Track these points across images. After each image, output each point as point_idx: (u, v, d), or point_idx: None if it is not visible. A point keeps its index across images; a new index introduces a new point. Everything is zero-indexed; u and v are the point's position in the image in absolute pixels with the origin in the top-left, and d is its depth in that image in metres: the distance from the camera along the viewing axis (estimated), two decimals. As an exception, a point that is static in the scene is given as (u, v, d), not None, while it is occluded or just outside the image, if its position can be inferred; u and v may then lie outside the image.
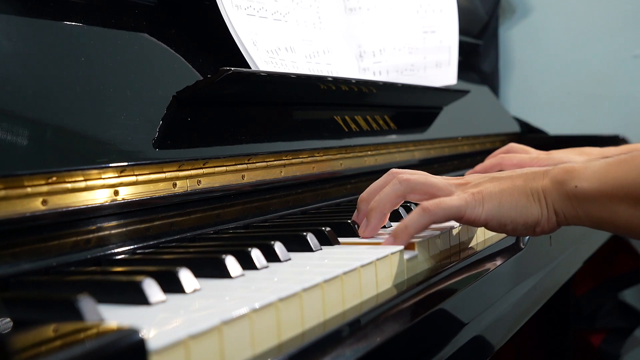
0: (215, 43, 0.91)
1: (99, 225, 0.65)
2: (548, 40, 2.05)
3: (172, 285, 0.51)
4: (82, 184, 0.63)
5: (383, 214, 0.74)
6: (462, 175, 0.87)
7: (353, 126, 1.10)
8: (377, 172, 1.15)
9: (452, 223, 0.78)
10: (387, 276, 0.62)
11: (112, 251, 0.64)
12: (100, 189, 0.65)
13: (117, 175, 0.66)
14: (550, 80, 2.05)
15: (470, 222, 0.70)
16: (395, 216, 0.82)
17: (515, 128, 1.83)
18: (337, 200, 1.00)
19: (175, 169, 0.73)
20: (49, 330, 0.39)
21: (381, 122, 1.19)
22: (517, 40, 2.09)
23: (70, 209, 0.61)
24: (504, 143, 1.71)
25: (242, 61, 0.90)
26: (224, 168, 0.80)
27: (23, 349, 0.35)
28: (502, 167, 1.11)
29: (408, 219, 0.69)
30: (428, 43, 1.30)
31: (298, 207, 0.91)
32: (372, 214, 0.73)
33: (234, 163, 0.82)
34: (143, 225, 0.69)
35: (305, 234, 0.67)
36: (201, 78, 0.83)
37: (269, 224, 0.82)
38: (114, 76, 0.74)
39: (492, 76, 1.99)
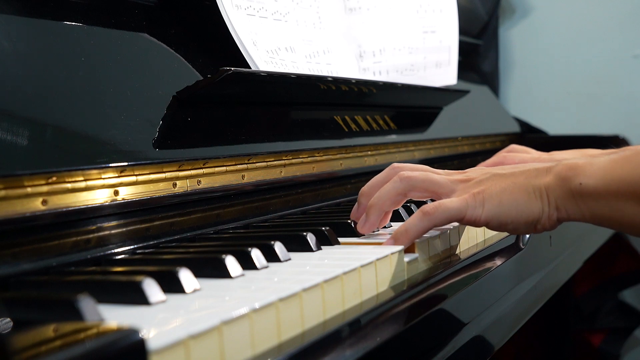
0: (215, 43, 0.91)
1: (99, 225, 0.65)
2: (548, 40, 2.05)
3: (172, 285, 0.51)
4: (82, 184, 0.63)
5: (382, 211, 0.74)
6: None
7: (353, 126, 1.10)
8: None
9: (453, 223, 0.78)
10: (387, 276, 0.62)
11: (112, 251, 0.64)
12: (100, 189, 0.65)
13: (117, 175, 0.66)
14: (550, 80, 2.05)
15: (470, 223, 0.70)
16: (395, 216, 0.82)
17: (515, 128, 1.83)
18: (337, 200, 1.00)
19: (175, 169, 0.73)
20: (49, 330, 0.39)
21: (381, 122, 1.19)
22: (517, 40, 2.09)
23: (70, 209, 0.61)
24: (503, 143, 1.71)
25: (242, 61, 0.90)
26: (224, 168, 0.80)
27: (23, 349, 0.35)
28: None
29: (408, 222, 0.69)
30: (428, 43, 1.30)
31: (298, 207, 0.91)
32: (372, 210, 0.73)
33: (234, 163, 0.82)
34: (143, 225, 0.69)
35: (305, 234, 0.67)
36: (201, 78, 0.83)
37: (269, 224, 0.82)
38: (114, 76, 0.74)
39: (492, 76, 1.99)
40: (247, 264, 0.58)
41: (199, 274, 0.54)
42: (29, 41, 0.68)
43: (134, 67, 0.77)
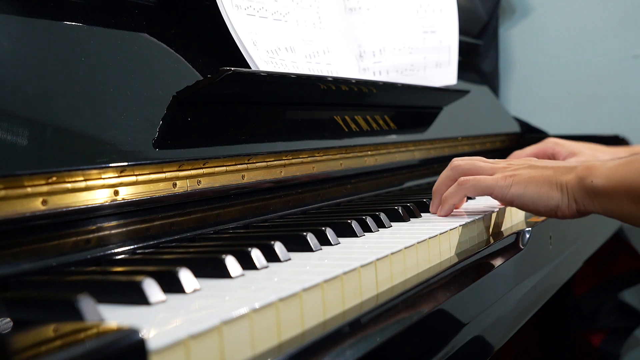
0: (216, 43, 0.91)
1: (99, 225, 0.65)
2: (548, 40, 2.05)
3: (172, 285, 0.51)
4: (82, 184, 0.63)
5: (442, 195, 0.89)
6: None
7: (353, 126, 1.10)
8: (377, 172, 1.15)
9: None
10: (387, 276, 0.62)
11: (112, 251, 0.64)
12: (100, 189, 0.65)
13: (117, 175, 0.66)
14: (550, 80, 2.05)
15: (498, 199, 0.86)
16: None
17: (515, 128, 1.83)
18: (337, 200, 1.00)
19: (175, 169, 0.73)
20: (49, 330, 0.39)
21: (381, 122, 1.19)
22: (517, 40, 2.09)
23: (70, 209, 0.61)
24: (504, 143, 1.71)
25: (242, 61, 0.90)
26: (224, 168, 0.80)
27: (23, 349, 0.35)
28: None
29: (448, 191, 0.87)
30: (428, 43, 1.30)
31: (298, 207, 0.91)
32: (434, 197, 0.91)
33: (234, 163, 0.82)
34: (143, 225, 0.69)
35: (305, 234, 0.67)
36: (201, 78, 0.83)
37: (269, 224, 0.82)
38: (114, 76, 0.74)
39: (492, 76, 1.99)
40: (247, 264, 0.58)
41: (199, 274, 0.54)
42: (29, 41, 0.68)
43: (134, 67, 0.77)
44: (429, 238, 0.71)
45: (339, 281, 0.54)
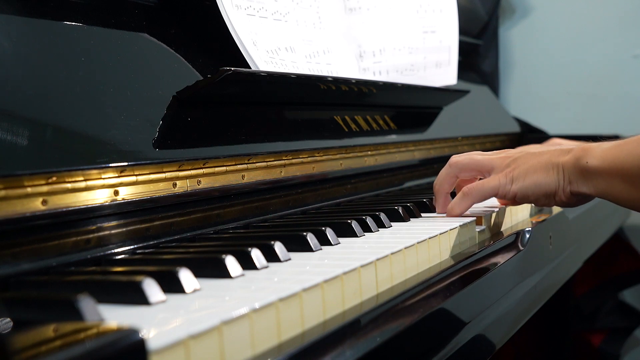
0: (215, 43, 0.91)
1: (99, 225, 0.65)
2: (548, 40, 2.05)
3: (172, 285, 0.51)
4: (82, 184, 0.63)
5: (443, 192, 0.91)
6: None
7: (353, 126, 1.10)
8: (377, 172, 1.15)
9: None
10: (387, 276, 0.62)
11: (112, 251, 0.64)
12: (100, 189, 0.65)
13: (117, 175, 0.66)
14: (550, 80, 2.05)
15: (503, 197, 0.86)
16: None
17: (515, 128, 1.83)
18: (337, 200, 1.00)
19: (175, 169, 0.73)
20: (49, 330, 0.39)
21: (381, 122, 1.19)
22: (517, 40, 2.09)
23: (70, 209, 0.61)
24: (503, 143, 1.71)
25: (242, 61, 0.90)
26: (224, 168, 0.80)
27: (23, 349, 0.35)
28: None
29: (453, 201, 0.87)
30: (428, 43, 1.30)
31: (298, 207, 0.91)
32: (436, 196, 0.91)
33: (234, 163, 0.82)
34: (143, 225, 0.69)
35: (305, 234, 0.67)
36: (201, 78, 0.83)
37: (269, 224, 0.82)
38: (114, 76, 0.74)
39: (492, 76, 1.99)
40: (247, 264, 0.58)
41: (199, 274, 0.54)
42: (29, 41, 0.68)
43: (134, 67, 0.77)
44: (429, 238, 0.71)
45: (339, 281, 0.54)
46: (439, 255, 0.73)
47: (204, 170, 0.77)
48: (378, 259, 0.60)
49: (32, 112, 0.63)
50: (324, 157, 1.00)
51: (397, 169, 1.21)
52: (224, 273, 0.55)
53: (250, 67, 0.91)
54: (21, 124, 0.61)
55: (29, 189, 0.58)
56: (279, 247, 0.62)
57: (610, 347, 1.79)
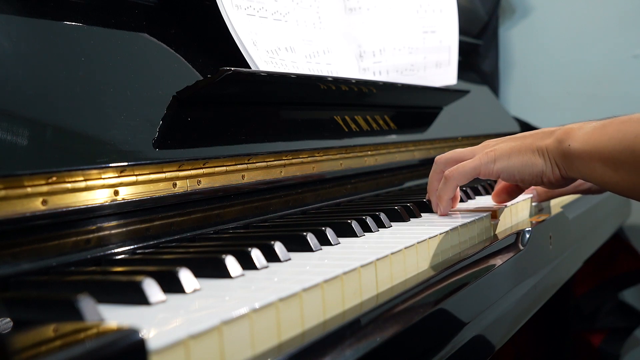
0: (216, 43, 0.91)
1: (99, 225, 0.65)
2: (548, 40, 2.05)
3: (172, 285, 0.51)
4: (82, 184, 0.63)
5: (435, 190, 0.90)
6: None
7: (353, 126, 1.10)
8: (377, 172, 1.15)
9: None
10: (387, 276, 0.62)
11: (112, 251, 0.64)
12: (100, 189, 0.65)
13: (117, 175, 0.66)
14: (550, 80, 2.05)
15: (487, 176, 0.85)
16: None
17: (515, 128, 1.83)
18: (337, 200, 1.00)
19: (175, 169, 0.73)
20: (49, 330, 0.39)
21: (381, 122, 1.19)
22: (517, 40, 2.09)
23: (70, 209, 0.61)
24: (504, 143, 1.71)
25: (242, 61, 0.90)
26: (224, 168, 0.80)
27: (23, 349, 0.35)
28: None
29: (439, 188, 0.87)
30: (428, 43, 1.30)
31: (298, 207, 0.91)
32: (431, 197, 0.92)
33: (234, 163, 0.82)
34: (143, 225, 0.69)
35: (305, 234, 0.67)
36: (201, 78, 0.83)
37: (269, 224, 0.82)
38: (114, 76, 0.74)
39: (492, 76, 1.99)
40: (247, 264, 0.58)
41: (199, 274, 0.54)
42: (29, 41, 0.68)
43: (134, 67, 0.77)
44: (429, 238, 0.71)
45: (339, 281, 0.54)
46: (440, 255, 0.73)
47: (204, 170, 0.77)
48: (378, 259, 0.60)
49: (32, 112, 0.63)
50: (324, 157, 1.00)
51: (397, 169, 1.21)
52: (224, 273, 0.55)
53: (250, 67, 0.91)
54: (21, 124, 0.61)
55: (29, 189, 0.58)
56: (279, 247, 0.62)
57: (610, 347, 1.79)
